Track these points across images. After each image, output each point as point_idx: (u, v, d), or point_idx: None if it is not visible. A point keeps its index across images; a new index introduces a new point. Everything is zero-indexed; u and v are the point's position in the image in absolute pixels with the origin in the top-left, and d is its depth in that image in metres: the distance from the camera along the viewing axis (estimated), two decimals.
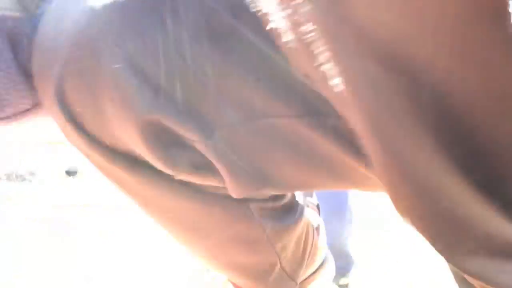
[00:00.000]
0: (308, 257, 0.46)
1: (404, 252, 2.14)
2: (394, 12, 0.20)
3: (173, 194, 0.38)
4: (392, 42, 0.21)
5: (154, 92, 0.33)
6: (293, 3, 0.22)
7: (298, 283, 0.44)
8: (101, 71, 0.33)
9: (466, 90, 0.21)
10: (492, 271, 0.26)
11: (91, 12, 0.33)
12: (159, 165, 0.36)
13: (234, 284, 0.45)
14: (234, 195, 0.37)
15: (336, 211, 1.20)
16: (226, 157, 0.35)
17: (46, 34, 0.35)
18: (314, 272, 0.48)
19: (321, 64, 0.23)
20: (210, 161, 0.36)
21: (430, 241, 0.26)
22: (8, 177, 2.10)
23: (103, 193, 1.70)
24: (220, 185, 0.37)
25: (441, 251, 0.27)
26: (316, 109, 0.32)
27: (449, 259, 0.27)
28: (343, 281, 1.23)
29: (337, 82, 0.23)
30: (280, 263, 0.43)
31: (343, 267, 1.23)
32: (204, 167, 0.36)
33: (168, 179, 0.37)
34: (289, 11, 0.23)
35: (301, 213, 0.44)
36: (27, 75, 0.36)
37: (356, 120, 0.25)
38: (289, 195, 0.42)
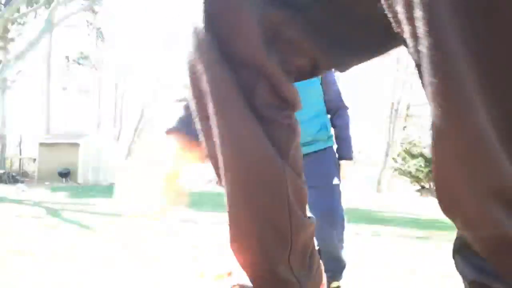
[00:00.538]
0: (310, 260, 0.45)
1: (395, 257, 2.14)
2: None
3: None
4: None
5: None
6: None
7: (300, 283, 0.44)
8: None
9: None
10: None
11: None
12: None
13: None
14: None
15: (328, 217, 1.22)
16: None
17: None
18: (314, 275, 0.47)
19: None
20: None
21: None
22: None
23: None
24: None
25: None
26: None
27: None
28: (334, 284, 1.24)
29: None
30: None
31: (335, 271, 1.25)
32: None
33: None
34: None
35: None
36: None
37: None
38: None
